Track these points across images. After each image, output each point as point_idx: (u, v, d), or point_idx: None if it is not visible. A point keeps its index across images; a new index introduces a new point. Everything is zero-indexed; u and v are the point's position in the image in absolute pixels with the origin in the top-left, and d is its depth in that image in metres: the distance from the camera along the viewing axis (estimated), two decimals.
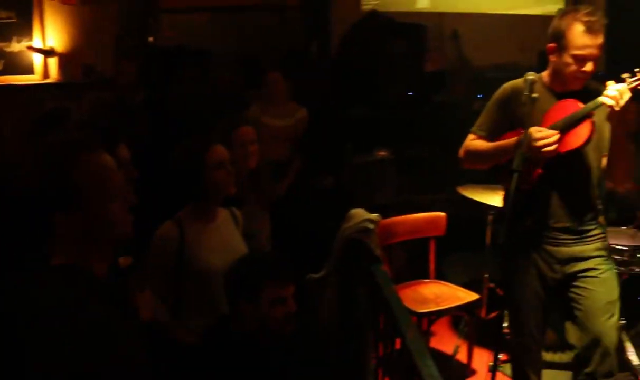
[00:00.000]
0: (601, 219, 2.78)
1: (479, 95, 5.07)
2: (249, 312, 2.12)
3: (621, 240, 3.91)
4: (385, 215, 3.73)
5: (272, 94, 4.28)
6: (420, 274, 3.86)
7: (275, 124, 4.27)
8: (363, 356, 2.84)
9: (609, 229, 4.14)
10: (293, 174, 4.17)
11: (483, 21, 5.45)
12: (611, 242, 3.85)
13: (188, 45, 4.81)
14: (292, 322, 2.15)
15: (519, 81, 2.69)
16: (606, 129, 2.56)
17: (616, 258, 3.84)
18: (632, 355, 3.81)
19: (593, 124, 2.51)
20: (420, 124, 4.88)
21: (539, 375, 3.01)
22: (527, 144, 2.49)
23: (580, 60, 2.50)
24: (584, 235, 2.70)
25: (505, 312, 3.58)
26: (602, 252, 2.74)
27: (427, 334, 3.81)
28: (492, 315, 3.82)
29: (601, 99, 2.41)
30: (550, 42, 2.59)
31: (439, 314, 3.53)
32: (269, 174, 3.28)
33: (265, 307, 2.10)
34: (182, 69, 4.46)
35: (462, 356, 3.75)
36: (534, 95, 2.45)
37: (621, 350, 3.83)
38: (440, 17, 5.41)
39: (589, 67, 2.51)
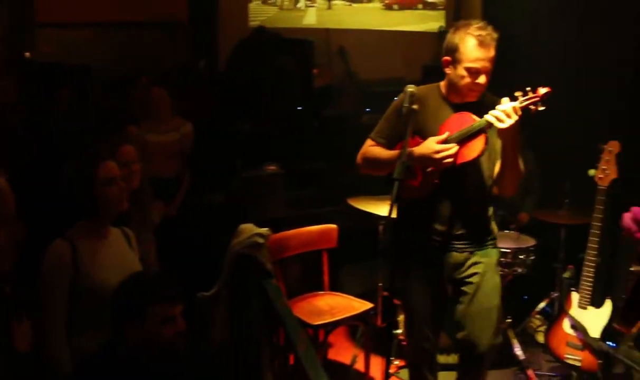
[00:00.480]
0: (493, 226, 2.89)
1: (366, 109, 5.20)
2: (135, 333, 2.03)
3: (504, 243, 4.11)
4: (277, 229, 3.73)
5: (156, 111, 4.19)
6: (316, 286, 3.87)
7: (160, 140, 4.17)
8: (259, 372, 2.81)
9: None
10: (183, 192, 4.10)
11: (368, 37, 5.60)
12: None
13: (67, 61, 4.60)
14: (183, 341, 2.10)
15: (419, 89, 2.72)
16: (498, 141, 2.63)
17: (501, 260, 4.04)
18: (518, 350, 4.00)
19: (487, 138, 2.58)
20: (309, 137, 4.93)
21: (435, 377, 3.11)
22: (418, 155, 2.57)
23: (474, 72, 2.60)
24: (476, 242, 2.80)
25: (401, 319, 3.68)
26: (491, 259, 2.83)
27: (325, 346, 3.82)
28: (389, 323, 3.88)
29: (487, 117, 2.50)
30: (445, 56, 2.68)
31: (334, 324, 3.54)
32: (150, 195, 3.18)
33: (152, 327, 2.03)
34: (61, 87, 4.26)
35: (360, 365, 3.79)
36: (414, 106, 2.49)
37: (508, 347, 4.03)
38: (327, 34, 5.51)
39: (481, 79, 2.61)
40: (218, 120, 4.67)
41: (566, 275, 3.96)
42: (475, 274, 2.79)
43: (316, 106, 4.88)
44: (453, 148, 2.55)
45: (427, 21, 5.99)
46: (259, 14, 5.29)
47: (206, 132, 4.33)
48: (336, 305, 3.69)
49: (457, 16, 5.95)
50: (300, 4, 5.44)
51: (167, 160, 4.14)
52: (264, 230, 2.75)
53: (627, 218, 1.79)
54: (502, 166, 2.66)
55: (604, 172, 3.50)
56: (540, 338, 4.14)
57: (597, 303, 3.61)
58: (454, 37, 2.63)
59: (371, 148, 2.80)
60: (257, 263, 2.67)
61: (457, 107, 2.70)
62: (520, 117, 2.47)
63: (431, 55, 5.87)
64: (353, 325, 4.02)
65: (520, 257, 4.05)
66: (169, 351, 2.06)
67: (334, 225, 3.86)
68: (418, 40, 5.92)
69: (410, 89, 2.53)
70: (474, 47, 2.57)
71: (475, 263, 2.80)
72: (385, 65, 5.46)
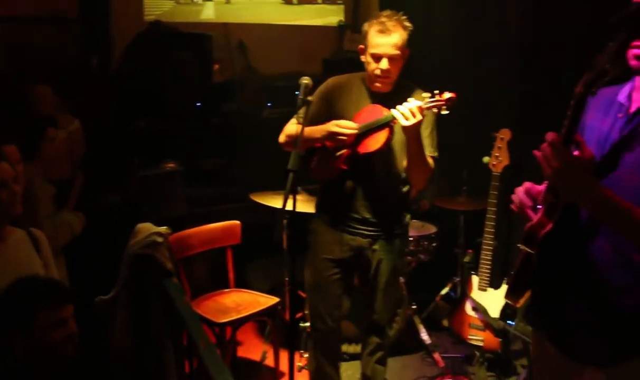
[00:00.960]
0: (404, 217, 3.01)
1: (267, 104, 5.17)
2: (22, 342, 1.91)
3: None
4: (179, 228, 3.65)
5: (41, 110, 3.97)
6: (223, 284, 3.81)
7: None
8: (163, 374, 2.72)
9: None
10: (76, 193, 3.90)
11: (269, 32, 5.56)
12: None
13: None
14: (74, 345, 1.99)
15: (341, 77, 2.91)
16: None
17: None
18: (424, 335, 4.10)
19: (390, 132, 2.69)
20: (210, 134, 4.84)
21: (337, 368, 3.15)
22: (321, 128, 2.70)
23: (376, 58, 2.71)
24: (382, 229, 2.92)
25: (308, 312, 3.69)
26: (394, 247, 2.97)
27: (233, 343, 3.77)
28: (297, 316, 3.88)
29: (392, 112, 2.58)
30: (360, 45, 2.80)
31: (240, 321, 3.49)
32: (33, 199, 3.03)
33: (41, 333, 1.92)
34: None
35: (270, 361, 3.77)
36: (309, 98, 2.53)
37: (415, 332, 4.13)
38: (226, 28, 5.42)
39: (383, 64, 2.70)
40: (113, 118, 4.49)
41: (466, 259, 4.09)
42: (379, 259, 2.94)
43: (216, 102, 4.78)
44: (352, 130, 2.67)
45: (326, 15, 6.03)
46: (155, 8, 5.13)
47: (101, 130, 4.16)
48: (242, 301, 3.66)
49: (356, 10, 6.02)
50: None
51: (57, 161, 3.94)
52: (163, 229, 2.65)
53: (519, 192, 1.84)
54: (408, 161, 2.76)
55: (497, 159, 3.64)
56: (445, 322, 4.27)
57: (496, 284, 3.76)
58: (365, 26, 2.77)
59: (291, 126, 2.90)
60: (157, 263, 2.57)
61: (377, 96, 2.80)
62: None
63: (331, 49, 5.93)
64: (262, 322, 4.00)
65: (423, 244, 4.16)
66: (60, 357, 1.95)
67: (237, 222, 3.81)
68: (318, 35, 5.95)
69: (305, 81, 2.56)
70: (375, 33, 2.69)
71: (379, 249, 2.93)
72: (286, 60, 5.44)
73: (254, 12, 5.63)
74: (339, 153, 2.79)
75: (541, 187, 1.79)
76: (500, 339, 3.54)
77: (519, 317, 3.44)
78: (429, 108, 2.57)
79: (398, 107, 2.55)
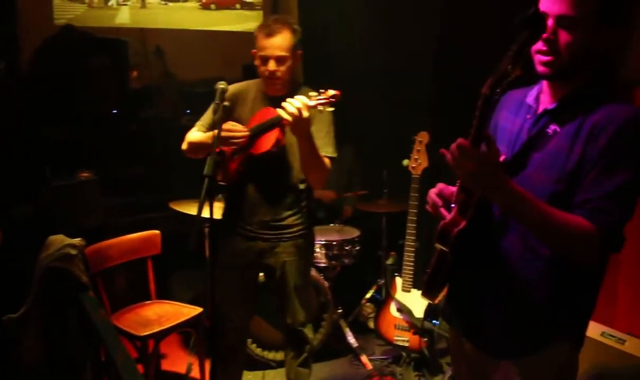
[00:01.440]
0: (304, 217, 3.00)
1: (186, 111, 5.08)
2: None
3: (330, 237, 4.22)
4: (97, 239, 3.52)
5: None
6: (145, 296, 3.70)
7: None
8: None
9: (318, 227, 4.46)
10: None
11: (186, 37, 5.44)
12: (321, 239, 4.16)
13: None
14: None
15: (240, 84, 2.96)
16: None
17: (327, 253, 4.15)
18: (351, 338, 4.13)
19: (280, 132, 2.72)
20: (127, 141, 4.69)
21: (240, 375, 3.20)
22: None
23: (264, 60, 2.78)
24: (282, 230, 2.94)
25: None
26: (297, 248, 2.99)
27: (156, 356, 3.66)
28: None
29: (278, 110, 2.59)
30: (253, 50, 2.85)
31: (163, 333, 3.39)
32: None
33: None
34: None
35: (196, 373, 3.68)
36: (225, 103, 2.59)
37: (342, 336, 4.14)
38: (142, 33, 5.28)
39: (271, 66, 2.76)
40: (23, 126, 4.27)
41: (389, 261, 4.15)
42: (283, 261, 2.96)
43: (133, 108, 4.64)
44: (242, 132, 2.72)
45: (245, 21, 5.96)
46: (65, 11, 4.92)
47: (9, 138, 3.94)
48: (164, 313, 3.56)
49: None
50: (112, 2, 5.14)
51: None
52: (76, 240, 2.54)
53: (432, 193, 1.88)
54: (300, 160, 2.77)
55: (416, 162, 3.71)
56: (371, 324, 4.30)
57: (419, 285, 3.81)
58: (254, 31, 2.84)
59: (192, 133, 2.95)
60: (71, 276, 2.46)
61: (272, 100, 2.82)
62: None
63: (251, 55, 5.87)
64: (186, 333, 3.90)
65: (347, 248, 4.19)
66: None
67: (156, 231, 3.72)
68: (237, 40, 5.86)
69: (221, 86, 2.62)
70: (262, 36, 2.78)
71: (282, 252, 2.96)
72: (205, 66, 5.34)
73: (171, 18, 5.49)
74: (235, 156, 2.85)
75: (454, 188, 1.83)
76: (425, 339, 3.60)
77: (439, 314, 3.51)
78: (313, 106, 2.58)
79: (283, 104, 2.57)
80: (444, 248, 1.79)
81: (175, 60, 5.28)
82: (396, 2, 4.56)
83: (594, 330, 2.86)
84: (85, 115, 4.53)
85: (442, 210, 1.82)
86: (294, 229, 2.97)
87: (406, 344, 3.72)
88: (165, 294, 3.89)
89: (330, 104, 2.59)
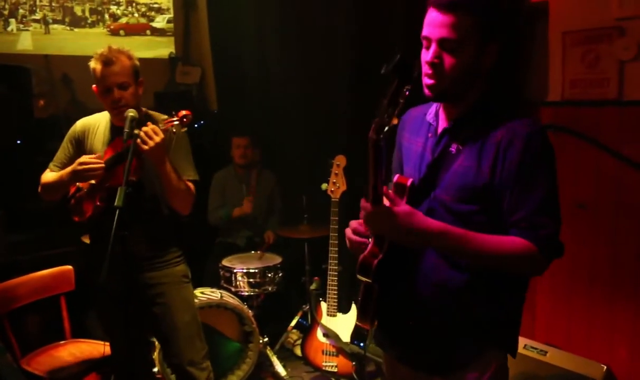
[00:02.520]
0: (175, 243, 2.93)
1: None
2: None
3: (251, 264, 4.15)
4: (4, 278, 3.30)
5: None
6: (60, 335, 3.50)
7: None
8: None
9: (239, 255, 4.39)
10: None
11: None
12: (242, 267, 4.09)
13: None
14: None
15: (89, 118, 2.92)
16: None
17: (249, 281, 4.08)
18: (278, 367, 4.06)
19: (136, 160, 2.60)
20: (34, 173, 4.43)
21: None
22: (69, 171, 2.67)
23: (107, 90, 2.71)
24: (156, 261, 2.86)
25: (156, 356, 3.49)
26: (175, 277, 2.91)
27: None
28: None
29: (133, 139, 2.52)
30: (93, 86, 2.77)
31: (79, 375, 3.20)
32: None
33: None
34: None
35: None
36: (136, 131, 2.53)
37: (269, 365, 4.06)
38: (47, 60, 5.06)
39: (115, 94, 2.69)
40: None
41: (313, 287, 4.13)
42: (161, 293, 2.87)
43: (39, 139, 4.40)
44: (98, 164, 2.64)
45: (156, 47, 5.85)
46: None
47: None
48: (80, 353, 3.38)
49: (186, 42, 5.92)
50: (11, 27, 4.91)
51: None
52: None
53: (347, 232, 1.90)
54: (163, 188, 2.73)
55: (335, 186, 3.74)
56: (299, 351, 4.25)
57: (344, 309, 3.82)
58: (90, 65, 2.75)
59: (46, 174, 2.90)
60: None
61: (121, 131, 2.68)
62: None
63: (163, 82, 5.75)
64: (106, 372, 3.69)
65: (269, 275, 4.13)
66: None
67: (69, 267, 3.54)
68: (149, 67, 5.70)
69: (130, 114, 2.57)
70: (100, 67, 2.70)
71: (160, 283, 2.87)
72: None
73: (78, 44, 5.31)
74: (93, 192, 2.76)
75: None
76: (353, 363, 3.58)
77: (370, 338, 3.52)
78: (165, 128, 2.57)
79: (135, 131, 2.53)
80: (366, 280, 1.79)
81: (83, 88, 5.07)
82: (310, 27, 4.59)
83: None
84: None
85: (360, 246, 1.83)
86: (171, 257, 2.90)
87: (335, 369, 3.69)
88: (82, 332, 3.69)
89: (182, 125, 2.58)
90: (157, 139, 2.52)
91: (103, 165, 2.66)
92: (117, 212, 2.30)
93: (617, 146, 3.07)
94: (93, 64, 2.73)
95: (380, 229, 1.69)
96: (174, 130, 2.61)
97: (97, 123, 2.89)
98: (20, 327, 3.36)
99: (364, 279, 1.80)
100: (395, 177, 1.83)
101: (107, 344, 3.40)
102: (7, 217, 3.99)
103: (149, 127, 2.53)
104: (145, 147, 2.51)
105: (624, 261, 3.09)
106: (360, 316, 1.92)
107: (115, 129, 2.81)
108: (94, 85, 2.76)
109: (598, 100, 3.14)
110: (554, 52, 3.31)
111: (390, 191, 1.74)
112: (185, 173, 2.79)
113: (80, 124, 2.92)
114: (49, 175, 2.87)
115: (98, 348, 3.42)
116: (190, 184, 2.79)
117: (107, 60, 2.69)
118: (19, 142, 4.48)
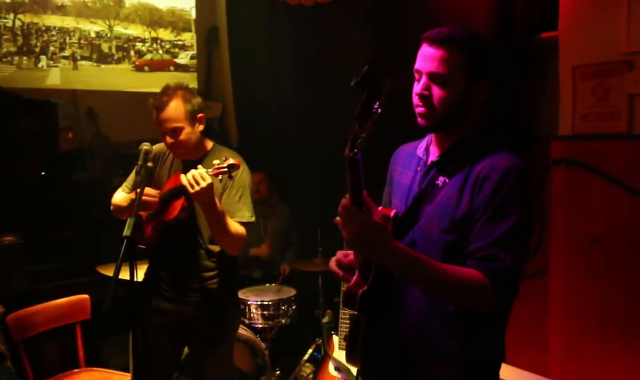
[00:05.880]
0: (220, 279, 2.94)
1: (120, 173, 4.99)
2: None
3: (266, 296, 4.17)
4: (23, 305, 3.38)
5: None
6: (75, 363, 3.54)
7: None
8: None
9: (253, 287, 4.43)
10: None
11: (119, 99, 5.41)
12: (257, 299, 4.12)
13: None
14: None
15: (162, 145, 2.91)
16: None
17: (263, 313, 4.10)
18: None
19: (185, 200, 2.70)
20: (57, 204, 4.56)
21: None
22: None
23: (164, 134, 2.78)
24: (199, 293, 2.90)
25: None
26: (213, 311, 2.93)
27: None
28: None
29: (182, 179, 2.58)
30: None
31: None
32: None
33: None
34: None
35: None
36: (149, 164, 2.61)
37: None
38: (74, 95, 5.22)
39: (168, 139, 2.77)
40: None
41: (325, 320, 4.12)
42: (199, 325, 2.90)
43: (64, 171, 4.53)
44: (151, 198, 2.72)
45: (179, 83, 5.99)
46: None
47: None
48: None
49: (208, 78, 6.06)
50: (42, 64, 5.09)
51: None
52: None
53: (331, 263, 1.92)
54: (209, 228, 2.77)
55: None
56: None
57: None
58: (149, 105, 2.81)
59: (116, 194, 3.02)
60: None
61: (187, 164, 2.82)
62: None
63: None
64: None
65: (283, 307, 4.14)
66: None
67: (85, 296, 3.61)
68: None
69: (145, 147, 2.65)
70: (154, 112, 2.78)
71: (197, 314, 2.89)
72: (139, 127, 5.27)
73: (104, 79, 5.47)
74: (150, 221, 2.86)
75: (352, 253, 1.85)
76: None
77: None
78: (214, 174, 2.58)
79: (185, 175, 2.58)
80: (352, 311, 1.80)
81: (108, 122, 5.23)
82: (325, 66, 4.67)
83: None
84: (13, 177, 4.40)
85: (346, 277, 1.84)
86: (213, 292, 2.92)
87: None
88: (97, 361, 3.75)
89: (229, 174, 2.58)
90: (204, 184, 2.53)
91: (156, 199, 2.74)
92: (124, 242, 2.31)
93: (628, 180, 3.04)
94: (149, 105, 2.79)
95: (347, 228, 1.66)
96: (221, 177, 2.65)
97: (165, 152, 2.98)
98: (37, 354, 3.41)
99: (349, 310, 1.81)
100: (379, 209, 1.84)
101: (122, 373, 3.47)
102: (29, 247, 4.08)
103: (197, 171, 2.54)
104: (192, 190, 2.54)
105: (638, 295, 3.04)
106: (348, 354, 1.90)
107: (181, 161, 2.90)
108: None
109: (608, 134, 3.12)
110: (564, 86, 3.32)
111: (370, 201, 1.75)
112: (237, 214, 2.81)
113: (155, 149, 2.94)
114: (118, 197, 2.99)
115: (111, 377, 3.48)
116: (240, 227, 2.80)
117: (158, 105, 2.74)
118: (43, 173, 4.61)
